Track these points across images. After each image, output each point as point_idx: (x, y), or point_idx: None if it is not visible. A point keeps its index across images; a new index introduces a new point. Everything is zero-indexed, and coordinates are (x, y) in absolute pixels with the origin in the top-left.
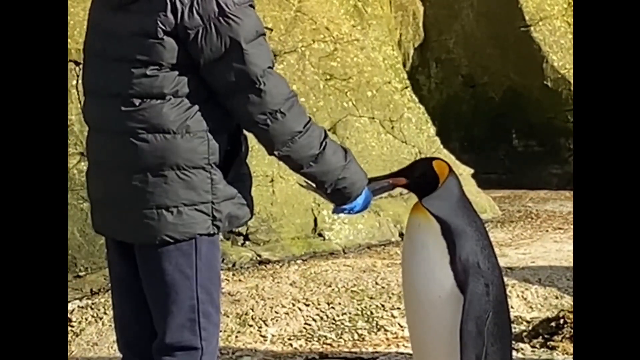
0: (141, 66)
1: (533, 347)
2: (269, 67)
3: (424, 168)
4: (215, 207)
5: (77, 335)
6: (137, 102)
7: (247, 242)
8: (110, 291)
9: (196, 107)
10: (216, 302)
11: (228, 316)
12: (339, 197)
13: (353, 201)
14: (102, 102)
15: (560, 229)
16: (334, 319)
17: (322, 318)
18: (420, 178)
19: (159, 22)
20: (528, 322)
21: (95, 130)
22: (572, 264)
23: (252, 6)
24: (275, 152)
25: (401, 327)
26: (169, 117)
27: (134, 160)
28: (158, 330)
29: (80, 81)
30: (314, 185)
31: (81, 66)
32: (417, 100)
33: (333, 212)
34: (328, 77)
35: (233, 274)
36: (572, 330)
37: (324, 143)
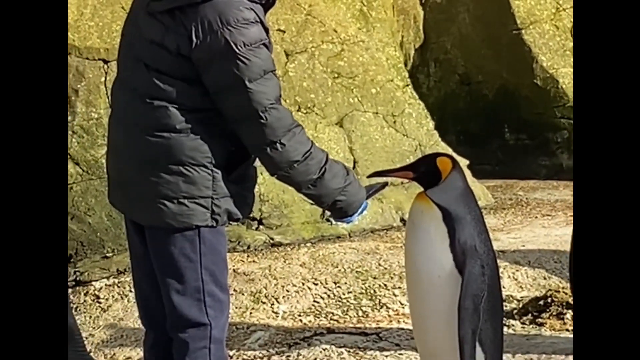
0: (154, 71)
1: (523, 323)
2: (272, 103)
3: (428, 165)
4: (215, 202)
5: (104, 311)
6: (148, 100)
7: (261, 227)
8: None
9: (203, 112)
10: (221, 282)
11: (243, 294)
12: (336, 213)
13: (350, 217)
14: (123, 89)
15: (548, 215)
16: (340, 297)
17: (329, 296)
18: (424, 173)
19: (176, 42)
20: (518, 300)
21: (115, 114)
22: (559, 248)
23: (265, 45)
24: (274, 175)
25: (402, 304)
26: (177, 118)
27: (143, 153)
28: (168, 309)
29: (109, 78)
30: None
31: (110, 64)
32: (417, 97)
33: (327, 219)
34: (336, 75)
35: (248, 256)
36: (559, 308)
37: (323, 169)
